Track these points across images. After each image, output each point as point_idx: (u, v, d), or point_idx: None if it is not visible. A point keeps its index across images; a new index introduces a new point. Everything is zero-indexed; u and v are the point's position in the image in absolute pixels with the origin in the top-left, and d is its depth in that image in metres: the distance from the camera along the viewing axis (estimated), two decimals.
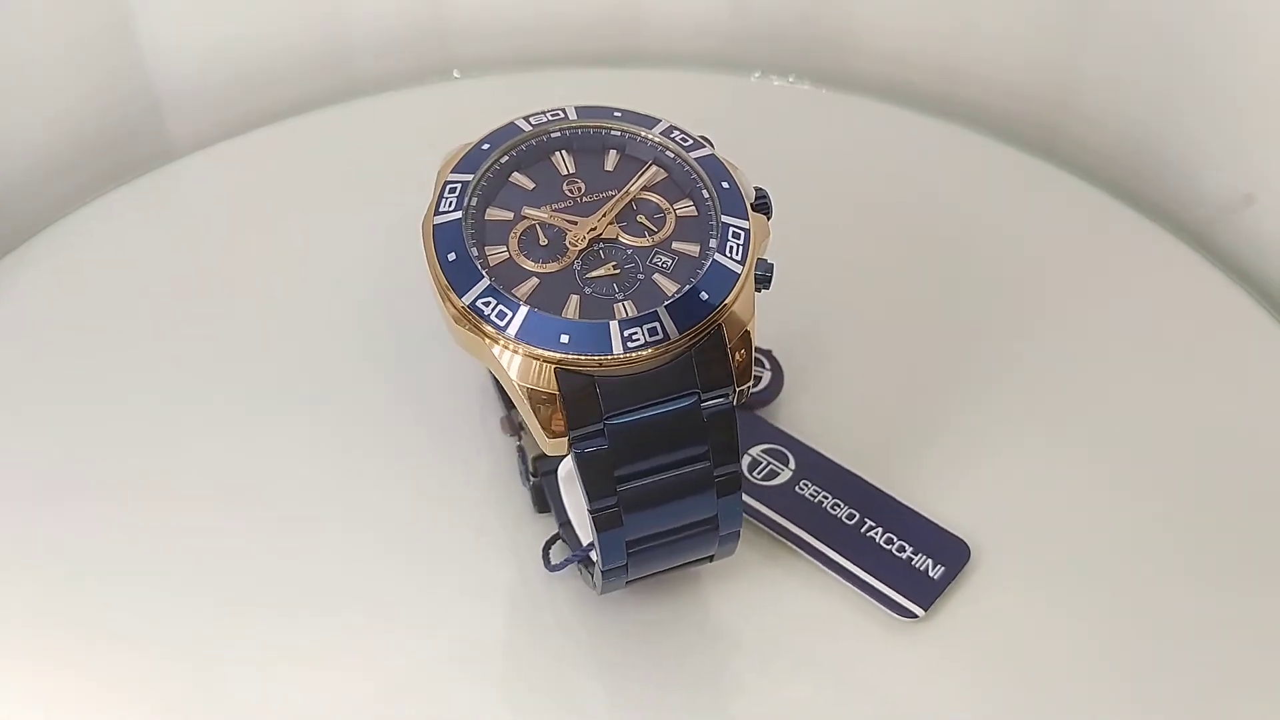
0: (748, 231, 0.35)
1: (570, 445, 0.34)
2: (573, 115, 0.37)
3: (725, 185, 0.36)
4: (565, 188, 0.36)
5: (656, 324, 0.33)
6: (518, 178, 0.36)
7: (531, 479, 0.40)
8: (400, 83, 0.52)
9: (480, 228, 0.35)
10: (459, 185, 0.35)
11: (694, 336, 0.34)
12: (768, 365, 0.44)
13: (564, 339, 0.33)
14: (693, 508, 0.35)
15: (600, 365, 0.33)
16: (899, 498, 0.41)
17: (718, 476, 0.35)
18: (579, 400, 0.33)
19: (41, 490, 0.41)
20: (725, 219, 0.35)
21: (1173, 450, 0.43)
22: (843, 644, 0.39)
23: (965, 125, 0.51)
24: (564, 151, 0.37)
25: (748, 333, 0.35)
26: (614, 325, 0.33)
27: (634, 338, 0.33)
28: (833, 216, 0.47)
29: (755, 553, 0.40)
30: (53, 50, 0.50)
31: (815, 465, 0.42)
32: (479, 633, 0.38)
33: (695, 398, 0.34)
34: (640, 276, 0.35)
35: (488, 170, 0.36)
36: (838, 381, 0.44)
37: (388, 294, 0.45)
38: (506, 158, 0.36)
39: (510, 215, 0.36)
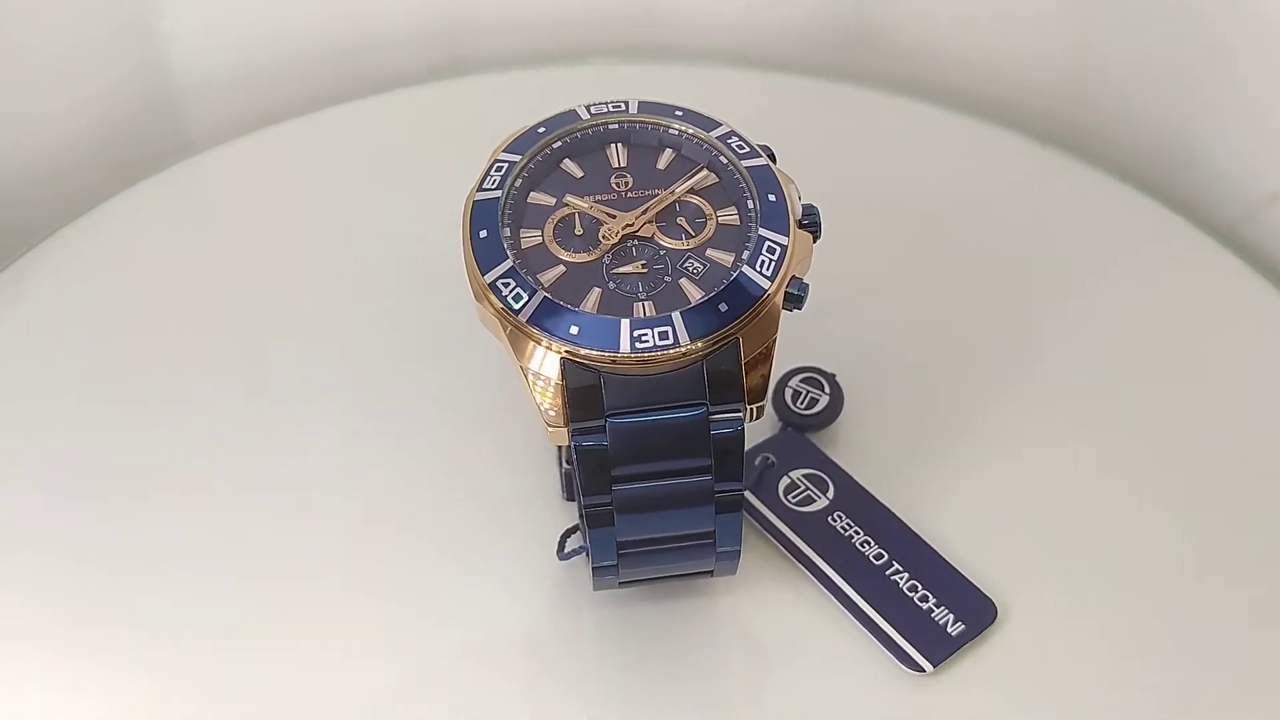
0: (784, 248, 0.34)
1: (570, 436, 0.33)
2: (634, 109, 0.37)
3: (772, 198, 0.35)
4: (613, 180, 0.36)
5: (669, 328, 0.33)
6: (568, 165, 0.36)
7: (565, 465, 0.40)
8: (420, 78, 0.52)
9: (520, 209, 0.35)
10: (505, 165, 0.35)
11: (707, 347, 0.33)
12: (827, 388, 0.43)
13: (573, 330, 0.33)
14: (689, 520, 0.34)
15: (613, 362, 0.33)
16: (935, 546, 0.40)
17: (718, 493, 0.34)
18: (582, 393, 0.33)
19: (66, 484, 0.41)
20: (763, 232, 0.34)
21: (1218, 473, 0.41)
22: (842, 685, 0.37)
23: (990, 121, 0.50)
24: (619, 144, 0.36)
25: (769, 351, 0.34)
26: (625, 324, 0.33)
27: (643, 339, 0.33)
28: (869, 221, 0.46)
29: (774, 575, 0.39)
30: (73, 45, 0.50)
31: (854, 498, 0.41)
32: (500, 627, 0.38)
33: (703, 409, 0.33)
34: (667, 279, 0.34)
35: (538, 153, 0.36)
36: (897, 411, 0.43)
37: (411, 287, 0.44)
38: (560, 143, 0.36)
39: (552, 201, 0.35)
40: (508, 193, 0.35)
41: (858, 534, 0.40)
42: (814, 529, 0.40)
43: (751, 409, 0.34)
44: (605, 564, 0.35)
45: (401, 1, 0.53)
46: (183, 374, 0.43)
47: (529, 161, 0.36)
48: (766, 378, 0.34)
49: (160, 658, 0.38)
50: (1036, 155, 0.49)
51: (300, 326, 0.44)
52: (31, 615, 0.39)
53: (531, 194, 0.36)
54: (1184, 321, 0.45)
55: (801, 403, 0.43)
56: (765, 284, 0.34)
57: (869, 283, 0.45)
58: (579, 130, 0.36)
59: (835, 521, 0.40)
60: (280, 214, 0.48)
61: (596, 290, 0.34)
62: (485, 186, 0.35)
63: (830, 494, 0.41)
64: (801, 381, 0.43)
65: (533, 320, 0.33)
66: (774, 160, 0.36)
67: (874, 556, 0.40)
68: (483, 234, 0.34)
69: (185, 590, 0.39)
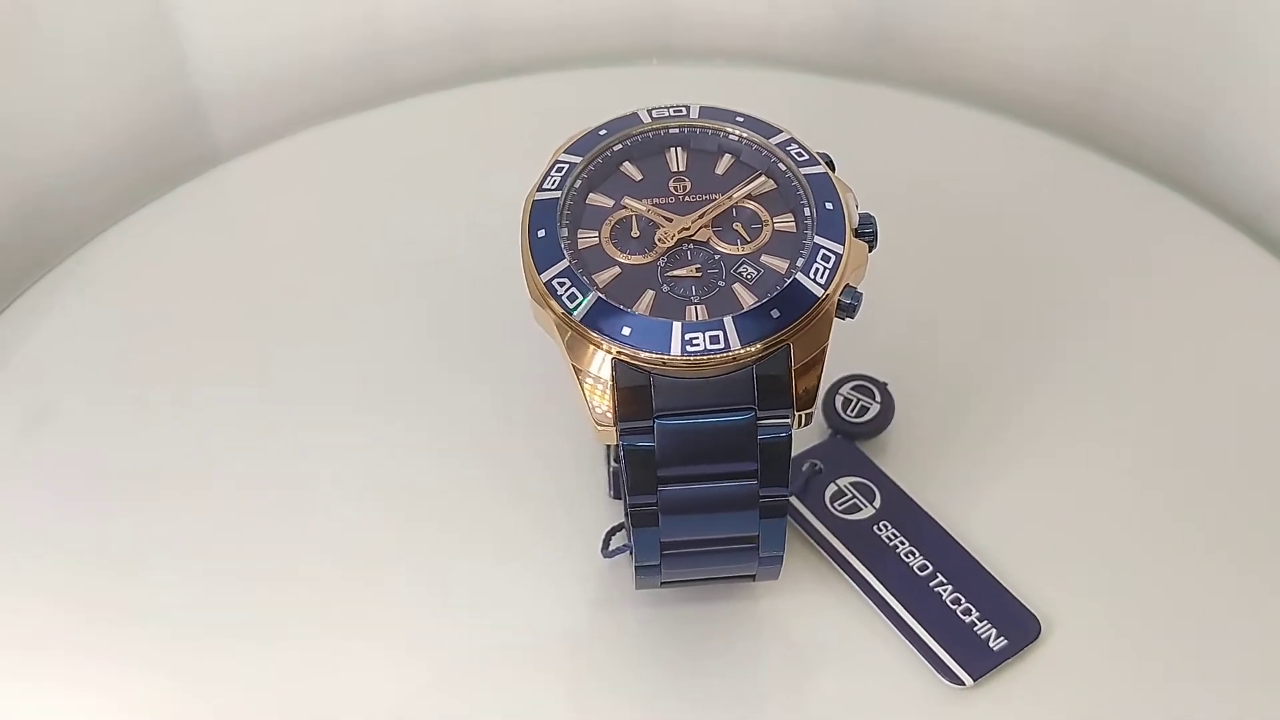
0: (839, 256, 0.34)
1: (619, 436, 0.34)
2: (695, 114, 0.37)
3: (829, 206, 0.35)
4: (671, 184, 0.36)
5: (720, 332, 0.33)
6: (627, 167, 0.36)
7: (614, 464, 0.40)
8: (441, 84, 0.52)
9: (578, 210, 0.36)
10: (565, 166, 0.36)
11: (758, 352, 0.33)
12: (878, 397, 0.43)
13: (626, 331, 0.33)
14: (733, 523, 0.35)
15: (664, 364, 0.33)
16: (980, 558, 0.40)
17: (763, 498, 0.34)
18: (631, 394, 0.33)
19: (99, 491, 0.41)
20: (819, 239, 0.34)
21: (1264, 475, 0.41)
22: (881, 694, 0.37)
23: (1010, 117, 0.50)
24: (679, 148, 0.37)
25: (819, 358, 0.34)
26: (677, 327, 0.33)
27: (694, 342, 0.33)
28: (898, 221, 0.45)
29: (817, 581, 0.39)
30: (94, 55, 0.50)
31: (900, 507, 0.41)
32: (543, 624, 0.39)
33: (751, 414, 0.33)
34: (721, 283, 0.34)
35: (597, 155, 0.36)
36: (945, 420, 0.43)
37: (441, 291, 0.45)
38: (620, 146, 0.36)
39: (610, 203, 0.36)
40: (567, 193, 0.35)
41: (903, 544, 0.40)
42: (859, 537, 0.40)
43: (800, 415, 0.34)
44: (649, 564, 0.35)
45: (423, 7, 0.53)
46: (212, 383, 0.44)
47: (589, 163, 0.36)
48: (816, 385, 0.34)
49: (179, 657, 0.38)
50: (1057, 150, 0.49)
51: (333, 333, 0.45)
52: (57, 615, 0.39)
53: (590, 195, 0.36)
54: (1216, 317, 0.45)
55: (852, 410, 0.43)
56: (819, 291, 0.34)
57: (906, 285, 0.45)
58: (639, 133, 0.36)
59: (880, 530, 0.40)
60: (306, 222, 0.48)
61: (650, 293, 0.34)
62: (545, 187, 0.35)
63: (877, 503, 0.41)
64: (853, 389, 0.43)
65: (586, 320, 0.33)
66: (833, 168, 0.37)
67: (918, 567, 0.40)
68: (540, 233, 0.35)
69: (224, 591, 0.39)
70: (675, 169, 0.36)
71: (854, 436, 0.43)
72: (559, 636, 0.39)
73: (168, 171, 0.51)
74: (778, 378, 0.33)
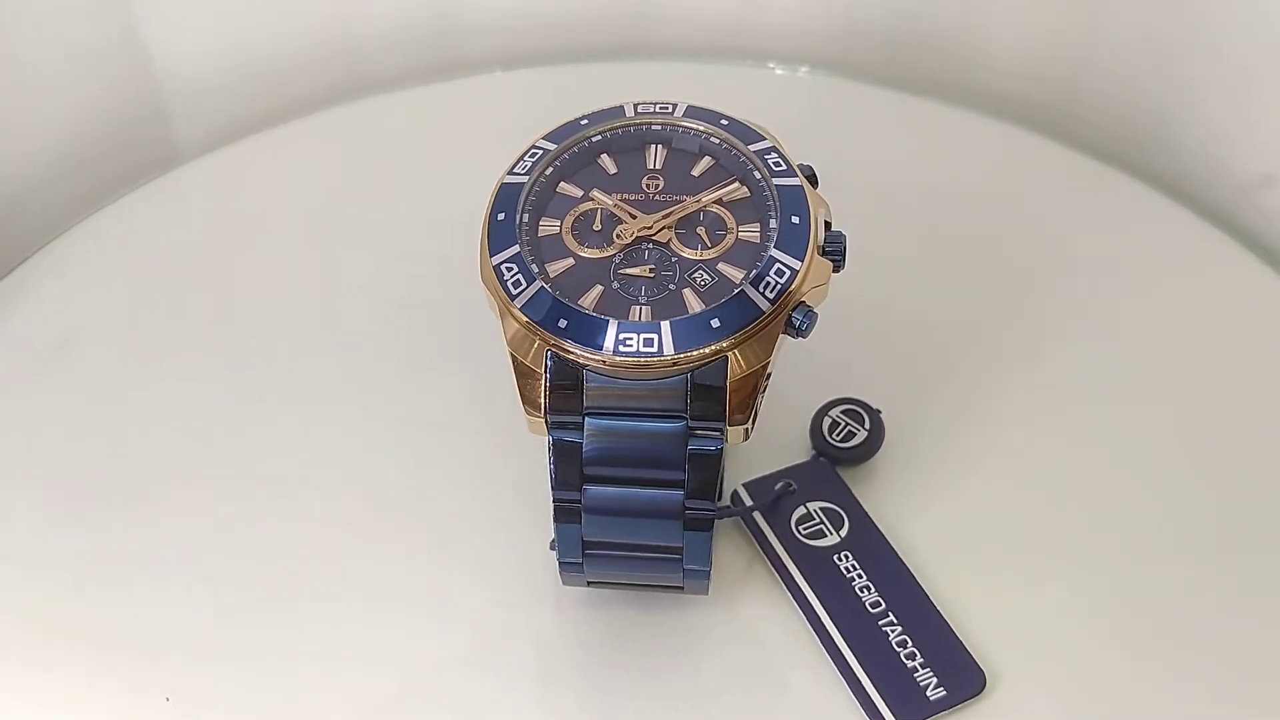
0: (794, 273, 0.33)
1: (548, 429, 0.33)
2: (679, 112, 0.36)
3: (795, 220, 0.34)
4: (645, 181, 0.36)
5: (655, 336, 0.32)
6: (604, 160, 0.36)
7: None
8: (408, 81, 0.51)
9: (545, 198, 0.35)
10: (540, 152, 0.36)
11: (695, 361, 0.32)
12: (867, 424, 0.41)
13: (562, 324, 0.33)
14: (657, 531, 0.34)
15: (595, 362, 0.32)
16: (940, 604, 0.38)
17: (688, 510, 0.33)
18: (563, 388, 0.33)
19: (59, 496, 0.41)
20: (776, 253, 0.33)
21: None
22: None
23: (979, 112, 0.50)
24: (659, 146, 0.36)
25: (761, 374, 0.33)
26: (613, 325, 0.33)
27: (627, 343, 0.32)
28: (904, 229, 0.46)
29: (767, 602, 0.38)
30: (58, 55, 0.49)
31: (866, 540, 0.39)
32: (502, 632, 0.38)
33: (683, 423, 0.33)
34: (672, 287, 0.34)
35: (575, 144, 0.36)
36: (938, 453, 0.41)
37: (405, 291, 0.44)
38: (599, 137, 0.36)
39: (580, 193, 0.35)
40: (535, 179, 0.35)
41: (860, 577, 0.39)
42: (816, 564, 0.39)
43: (736, 430, 0.33)
44: (570, 560, 0.35)
45: (387, 3, 0.52)
46: (174, 384, 0.43)
47: (564, 151, 0.36)
48: (753, 401, 0.33)
49: (149, 668, 0.37)
50: (1029, 145, 0.49)
51: (294, 333, 0.44)
52: (26, 629, 0.38)
53: (561, 184, 0.36)
54: (1192, 316, 0.44)
55: (838, 434, 0.42)
56: (765, 305, 0.33)
57: (883, 290, 0.44)
58: (621, 127, 0.36)
59: (840, 560, 0.39)
60: (270, 221, 0.47)
61: (600, 288, 0.34)
62: (516, 171, 0.35)
63: (843, 531, 0.40)
64: (842, 413, 0.42)
65: (526, 309, 0.33)
66: (814, 182, 0.35)
67: (870, 603, 0.38)
68: (500, 216, 0.35)
69: (182, 599, 0.38)
70: (652, 166, 0.36)
71: (837, 461, 0.41)
72: (507, 637, 0.38)
73: (131, 172, 0.50)
74: (712, 389, 0.32)
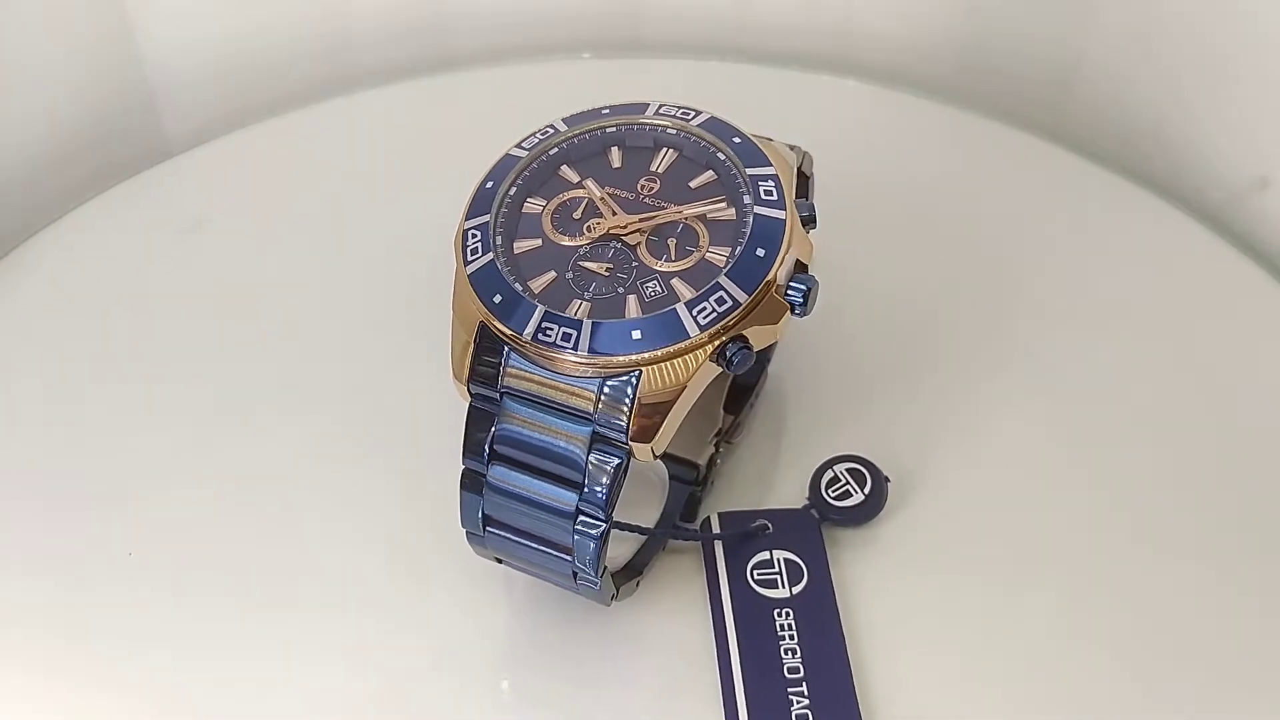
0: (735, 305, 0.32)
1: (468, 395, 0.34)
2: (696, 122, 0.35)
3: (760, 253, 0.32)
4: (642, 182, 0.35)
5: (574, 332, 0.32)
6: (613, 153, 0.36)
7: None
8: (398, 75, 0.50)
9: (542, 177, 0.35)
10: (551, 132, 0.36)
11: (611, 368, 0.32)
12: (868, 488, 0.39)
13: (497, 299, 0.33)
14: (548, 527, 0.33)
15: (516, 343, 0.32)
16: (864, 700, 0.35)
17: (579, 514, 0.33)
18: (484, 360, 0.33)
19: (36, 493, 0.40)
20: (724, 281, 0.32)
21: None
22: None
23: (973, 111, 0.50)
24: (669, 150, 0.35)
25: (676, 398, 0.32)
26: (539, 312, 0.32)
27: (547, 332, 0.32)
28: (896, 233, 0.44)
29: (698, 629, 0.37)
30: (48, 47, 0.49)
31: (816, 605, 0.37)
32: (472, 636, 0.37)
33: (590, 427, 0.32)
34: (620, 290, 0.33)
35: (587, 132, 0.35)
36: (934, 535, 0.39)
37: (391, 286, 0.43)
38: (615, 130, 0.36)
39: (576, 179, 0.35)
40: (535, 156, 0.35)
41: (791, 639, 0.37)
42: (754, 612, 0.37)
43: (642, 448, 0.32)
44: (471, 532, 0.35)
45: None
46: (158, 379, 0.43)
47: (575, 136, 0.35)
48: (660, 423, 0.32)
49: (124, 670, 0.37)
50: (1023, 145, 0.48)
51: (281, 330, 0.44)
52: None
53: (563, 167, 0.36)
54: (1191, 321, 0.44)
55: (835, 491, 0.40)
56: (691, 330, 0.32)
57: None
58: (637, 124, 0.35)
59: (780, 616, 0.37)
60: (258, 216, 0.47)
61: (553, 274, 0.34)
62: (522, 144, 0.36)
63: (797, 589, 0.38)
64: (847, 470, 0.40)
65: (472, 277, 0.33)
66: (812, 222, 0.34)
67: (789, 668, 0.36)
68: (489, 185, 0.35)
69: (153, 603, 0.38)
70: (655, 169, 0.35)
71: (825, 517, 0.39)
72: (487, 650, 0.37)
73: (120, 164, 0.50)
74: (618, 401, 0.32)
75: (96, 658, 0.37)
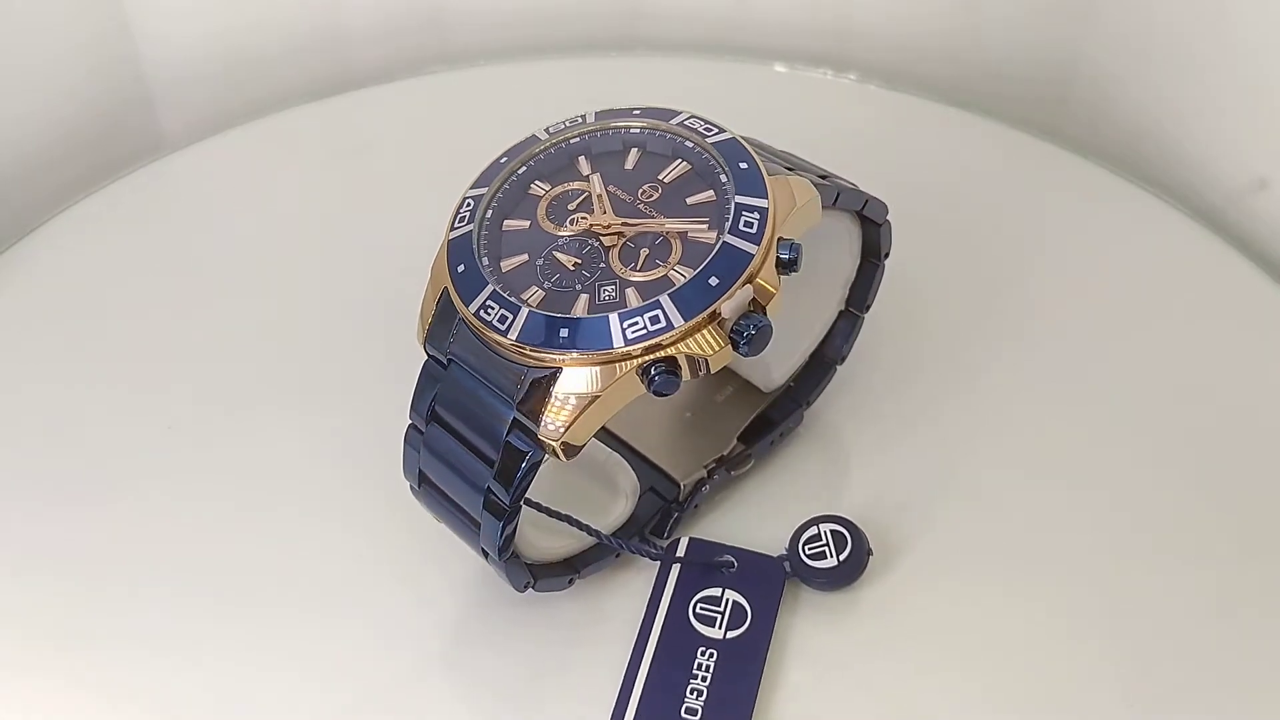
0: (666, 327, 0.31)
1: (424, 350, 0.34)
2: (715, 139, 0.34)
3: (712, 282, 0.31)
4: (644, 187, 0.34)
5: (510, 316, 0.32)
6: (631, 154, 0.35)
7: None
8: (396, 73, 0.49)
9: (556, 163, 0.35)
10: (578, 120, 0.36)
11: (534, 359, 0.32)
12: (846, 553, 0.37)
13: (460, 269, 0.33)
14: (463, 494, 0.34)
15: (464, 314, 0.33)
16: None
17: (489, 489, 0.33)
18: (440, 323, 0.34)
19: (27, 492, 0.40)
20: (664, 301, 0.31)
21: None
22: None
23: (973, 111, 0.49)
24: (683, 163, 0.34)
25: (595, 405, 0.31)
26: (487, 291, 0.33)
27: (489, 309, 0.32)
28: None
29: (611, 643, 0.37)
30: (45, 43, 0.49)
31: (743, 656, 0.36)
32: (450, 642, 0.37)
33: (510, 409, 0.32)
34: (578, 287, 0.33)
35: (612, 129, 0.35)
36: (907, 604, 0.37)
37: (384, 284, 0.42)
38: (639, 131, 0.35)
39: (585, 172, 0.35)
40: (554, 143, 0.35)
41: (704, 681, 0.36)
42: (678, 643, 0.36)
43: (550, 445, 0.32)
44: (410, 481, 0.36)
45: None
46: (153, 377, 0.43)
47: (599, 130, 0.35)
48: (569, 425, 0.32)
49: (113, 672, 0.36)
50: (1021, 145, 0.48)
51: (275, 327, 0.43)
52: None
53: (580, 158, 0.35)
54: (1193, 325, 0.43)
55: (809, 550, 0.38)
56: (617, 341, 0.31)
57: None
58: (660, 130, 0.35)
59: (702, 655, 0.36)
60: (254, 213, 0.47)
61: (525, 257, 0.34)
62: (549, 129, 0.36)
63: (733, 634, 0.37)
64: (830, 530, 0.38)
65: (450, 244, 0.34)
66: (794, 267, 0.32)
67: (687, 708, 0.35)
68: (502, 160, 0.35)
69: (146, 599, 0.38)
70: (662, 178, 0.34)
71: (795, 572, 0.38)
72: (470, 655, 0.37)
73: (116, 161, 0.50)
74: (533, 395, 0.32)
75: (79, 659, 0.36)
